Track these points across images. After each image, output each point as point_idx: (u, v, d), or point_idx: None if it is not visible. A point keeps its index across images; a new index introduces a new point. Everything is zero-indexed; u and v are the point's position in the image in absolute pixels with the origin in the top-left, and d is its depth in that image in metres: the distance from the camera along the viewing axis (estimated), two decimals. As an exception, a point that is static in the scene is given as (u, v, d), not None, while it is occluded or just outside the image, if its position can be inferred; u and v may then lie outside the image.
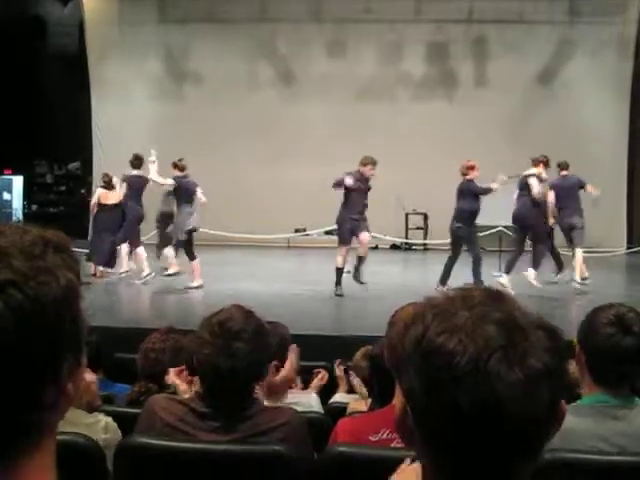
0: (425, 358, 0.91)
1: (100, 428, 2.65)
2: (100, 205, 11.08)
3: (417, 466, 1.04)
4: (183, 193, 10.31)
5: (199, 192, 10.14)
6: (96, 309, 7.38)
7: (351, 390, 4.36)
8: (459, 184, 10.48)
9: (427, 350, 0.91)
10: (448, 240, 12.13)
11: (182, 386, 3.02)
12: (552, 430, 0.94)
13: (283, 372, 3.14)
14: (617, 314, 2.30)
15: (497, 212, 15.16)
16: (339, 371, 4.52)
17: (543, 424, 0.92)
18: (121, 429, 2.71)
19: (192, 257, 10.15)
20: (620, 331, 2.27)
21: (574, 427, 2.22)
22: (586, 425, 2.24)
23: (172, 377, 3.08)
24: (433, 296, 0.98)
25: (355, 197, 9.88)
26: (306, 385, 4.21)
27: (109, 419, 2.72)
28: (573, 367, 3.17)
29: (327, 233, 13.65)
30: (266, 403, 2.71)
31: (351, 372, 4.42)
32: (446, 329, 0.91)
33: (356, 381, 4.24)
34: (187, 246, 10.15)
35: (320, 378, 4.24)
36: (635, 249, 15.77)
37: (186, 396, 2.88)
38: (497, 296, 0.96)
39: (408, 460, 1.28)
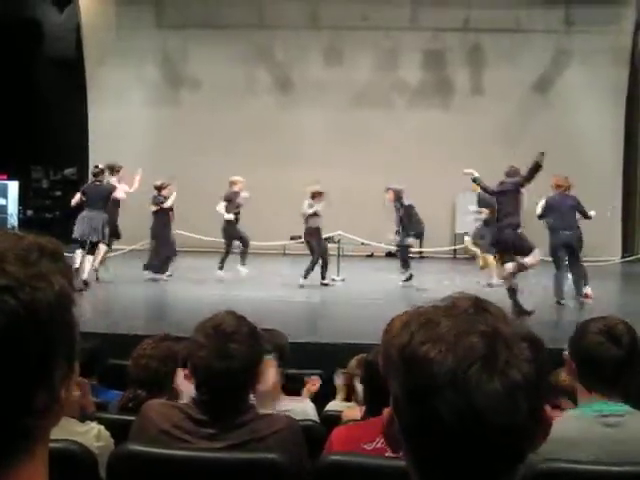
0: (407, 367, 0.92)
1: (92, 436, 2.64)
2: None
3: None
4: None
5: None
6: (91, 315, 7.37)
7: (349, 399, 4.34)
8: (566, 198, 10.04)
9: (410, 359, 0.92)
10: (444, 248, 12.16)
11: (185, 387, 3.00)
12: (536, 439, 0.94)
13: (270, 379, 3.13)
14: (607, 325, 2.35)
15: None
16: (339, 380, 4.50)
17: (523, 433, 0.92)
18: (114, 436, 2.70)
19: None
20: (609, 340, 2.32)
21: (569, 436, 2.23)
22: (581, 433, 2.26)
23: (181, 379, 3.07)
24: (420, 305, 0.99)
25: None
26: (299, 393, 4.19)
27: (101, 427, 2.71)
28: (564, 375, 3.19)
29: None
30: (260, 410, 2.70)
31: (356, 384, 4.41)
32: (429, 339, 0.92)
33: (359, 387, 4.23)
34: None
35: (312, 384, 4.22)
36: (630, 258, 15.80)
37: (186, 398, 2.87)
38: (483, 306, 0.96)
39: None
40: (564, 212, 10.25)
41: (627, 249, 16.45)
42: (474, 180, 9.71)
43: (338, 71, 16.15)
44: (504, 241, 9.11)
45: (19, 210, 17.23)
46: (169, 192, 11.89)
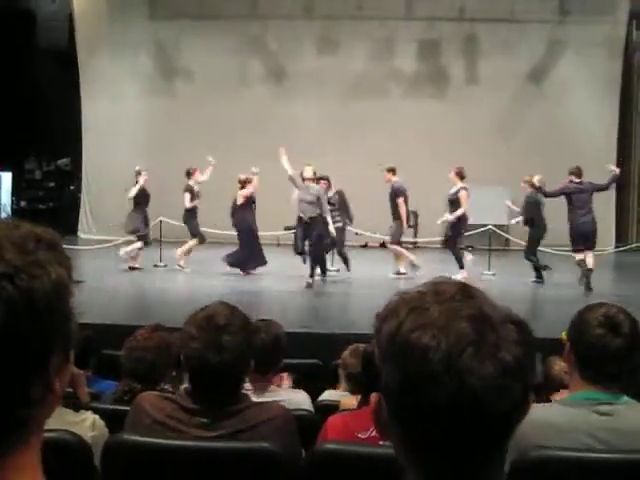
0: (399, 353, 0.93)
1: (87, 426, 2.64)
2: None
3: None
4: None
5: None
6: (87, 306, 7.36)
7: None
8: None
9: (401, 345, 0.93)
10: (438, 238, 12.13)
11: None
12: (520, 421, 0.96)
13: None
14: (607, 315, 2.32)
15: (487, 212, 15.23)
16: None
17: (516, 414, 0.94)
18: (108, 427, 2.70)
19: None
20: (610, 332, 2.29)
21: (562, 422, 2.23)
22: (574, 420, 2.25)
23: None
24: (406, 291, 0.99)
25: None
26: (295, 384, 4.18)
27: (96, 417, 2.71)
28: (558, 364, 3.18)
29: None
30: (254, 399, 2.71)
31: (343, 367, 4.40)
32: (419, 325, 0.93)
33: (343, 376, 4.23)
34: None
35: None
36: (623, 248, 15.85)
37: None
38: (468, 291, 0.98)
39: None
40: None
41: (621, 239, 16.50)
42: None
43: (333, 61, 16.11)
44: (586, 233, 10.15)
45: (12, 201, 17.18)
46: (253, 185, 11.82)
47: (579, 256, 10.20)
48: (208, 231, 14.20)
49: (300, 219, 10.64)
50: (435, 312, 0.93)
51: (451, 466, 0.93)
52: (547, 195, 10.74)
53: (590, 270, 10.06)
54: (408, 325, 0.93)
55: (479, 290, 0.99)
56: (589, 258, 10.12)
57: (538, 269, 10.99)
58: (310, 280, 10.36)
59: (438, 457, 0.93)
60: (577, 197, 10.30)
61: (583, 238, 10.20)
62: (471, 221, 15.23)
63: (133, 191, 11.85)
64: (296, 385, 4.13)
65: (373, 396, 1.01)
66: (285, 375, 4.08)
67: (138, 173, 11.96)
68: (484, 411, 0.90)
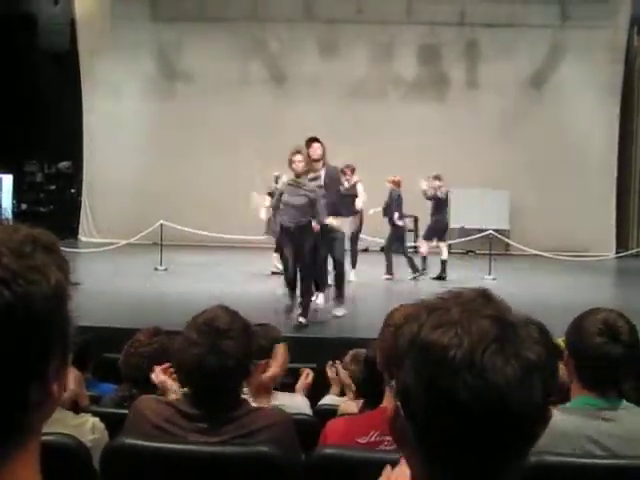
0: (421, 353, 0.93)
1: (87, 429, 2.63)
2: None
3: (406, 469, 1.04)
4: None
5: None
6: (87, 309, 7.35)
7: (343, 393, 4.33)
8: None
9: (423, 345, 0.93)
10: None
11: (168, 382, 2.99)
12: (542, 429, 0.96)
13: (271, 370, 3.12)
14: (606, 322, 2.31)
15: (487, 216, 15.23)
16: (331, 372, 4.50)
17: (538, 415, 0.93)
18: (108, 430, 2.69)
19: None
20: (609, 340, 2.28)
21: (562, 428, 2.23)
22: (574, 426, 2.25)
23: (158, 374, 3.05)
24: (426, 298, 1.00)
25: None
26: (293, 387, 4.18)
27: (96, 419, 2.70)
28: (562, 370, 3.18)
29: None
30: (254, 404, 2.70)
31: (338, 365, 4.40)
32: (441, 324, 0.93)
33: (343, 374, 4.23)
34: None
35: (305, 376, 4.21)
36: (624, 254, 15.85)
37: (173, 394, 2.86)
38: (488, 295, 0.98)
39: (389, 466, 1.28)
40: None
41: (621, 245, 16.50)
42: None
43: (333, 64, 16.12)
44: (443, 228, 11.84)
45: (13, 204, 17.16)
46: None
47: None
48: (208, 235, 14.23)
49: (283, 229, 7.88)
50: (456, 313, 0.94)
51: (470, 467, 0.93)
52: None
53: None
54: (429, 325, 0.94)
55: (497, 295, 1.00)
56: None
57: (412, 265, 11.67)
58: (302, 320, 7.79)
59: (458, 457, 0.92)
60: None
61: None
62: (471, 225, 15.31)
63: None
64: (291, 389, 4.13)
65: (390, 404, 1.00)
66: (307, 370, 4.12)
67: (277, 178, 11.62)
68: (506, 410, 0.90)
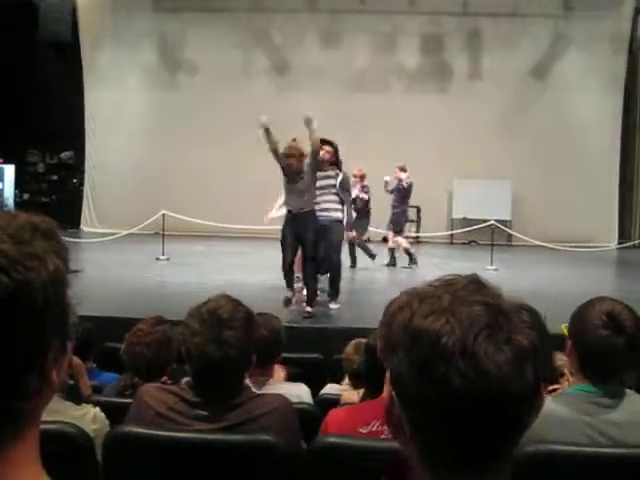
0: (413, 341, 0.93)
1: (89, 419, 2.64)
2: None
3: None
4: None
5: None
6: (89, 298, 7.37)
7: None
8: None
9: (415, 332, 0.93)
10: (440, 233, 12.17)
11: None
12: (534, 415, 0.96)
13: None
14: (610, 313, 2.29)
15: (490, 207, 15.22)
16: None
17: (530, 401, 0.93)
18: (110, 419, 2.70)
19: None
20: (613, 332, 2.27)
21: (563, 415, 2.23)
22: (575, 413, 2.25)
23: None
24: (418, 286, 1.00)
25: None
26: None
27: (97, 410, 2.71)
28: (560, 360, 3.18)
29: None
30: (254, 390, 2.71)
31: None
32: (432, 311, 0.93)
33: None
34: None
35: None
36: (626, 244, 15.84)
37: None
38: (479, 282, 0.98)
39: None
40: None
41: (623, 235, 16.49)
42: None
43: (336, 55, 16.08)
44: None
45: (15, 194, 17.17)
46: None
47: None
48: (213, 225, 14.23)
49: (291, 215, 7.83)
50: (447, 300, 0.94)
51: (464, 453, 0.93)
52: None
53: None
54: (421, 313, 0.94)
55: (490, 282, 1.00)
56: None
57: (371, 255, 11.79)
58: (309, 309, 7.78)
59: (451, 443, 0.93)
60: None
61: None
62: (473, 216, 15.31)
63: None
64: (294, 379, 4.12)
65: (386, 391, 1.01)
66: (277, 367, 4.07)
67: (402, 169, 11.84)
68: (499, 395, 0.90)
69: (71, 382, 3.39)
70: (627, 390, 2.32)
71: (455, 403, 0.90)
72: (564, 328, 2.43)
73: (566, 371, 3.00)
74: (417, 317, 0.94)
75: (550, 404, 2.27)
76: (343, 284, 8.74)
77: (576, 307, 2.42)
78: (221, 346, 2.31)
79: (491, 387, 0.89)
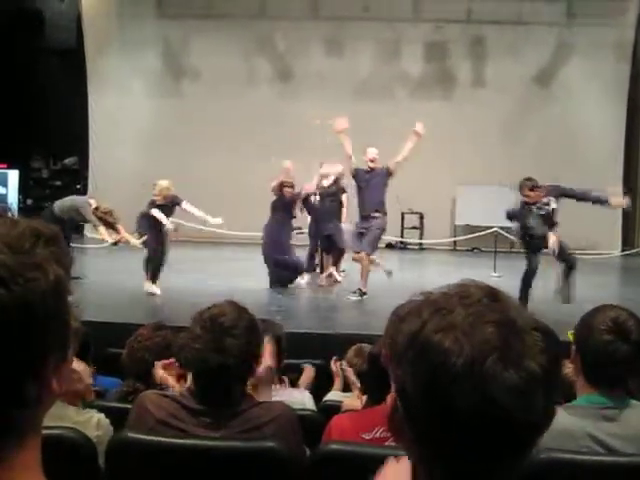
0: (420, 355, 0.90)
1: (92, 425, 2.63)
2: None
3: (406, 462, 1.03)
4: None
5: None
6: (91, 304, 7.37)
7: (346, 388, 4.33)
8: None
9: (422, 347, 0.90)
10: (443, 240, 12.12)
11: (170, 380, 2.99)
12: (542, 434, 0.94)
13: (263, 364, 3.11)
14: (616, 321, 2.28)
15: (493, 214, 15.20)
16: (335, 368, 4.49)
17: (537, 426, 0.91)
18: (112, 425, 2.69)
19: None
20: (618, 339, 2.26)
21: (568, 427, 2.21)
22: (580, 425, 2.24)
23: (159, 371, 3.05)
24: (430, 291, 0.97)
25: None
26: (296, 383, 4.18)
27: (101, 415, 2.70)
28: (568, 368, 3.17)
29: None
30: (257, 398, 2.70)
31: (344, 363, 4.39)
32: (443, 327, 0.90)
33: (349, 372, 4.21)
34: None
35: (307, 372, 4.20)
36: (630, 252, 15.81)
37: (175, 389, 2.86)
38: (494, 294, 0.95)
39: (392, 458, 1.26)
40: None
41: (627, 243, 16.45)
42: None
43: (339, 62, 16.10)
44: None
45: (19, 199, 17.18)
46: None
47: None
48: (215, 231, 14.22)
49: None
50: (460, 315, 0.90)
51: (466, 466, 0.91)
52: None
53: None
54: (431, 326, 0.90)
55: (506, 294, 0.96)
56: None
57: None
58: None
59: (452, 461, 0.91)
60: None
61: None
62: (477, 223, 15.29)
63: None
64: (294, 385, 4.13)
65: (389, 398, 0.99)
66: (308, 368, 4.13)
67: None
68: (505, 419, 0.87)
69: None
70: (632, 401, 2.30)
71: (458, 424, 0.88)
72: (570, 335, 2.42)
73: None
74: (427, 330, 0.91)
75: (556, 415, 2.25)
76: (345, 290, 8.73)
77: (580, 314, 2.41)
78: (220, 354, 2.29)
79: (497, 413, 0.87)
